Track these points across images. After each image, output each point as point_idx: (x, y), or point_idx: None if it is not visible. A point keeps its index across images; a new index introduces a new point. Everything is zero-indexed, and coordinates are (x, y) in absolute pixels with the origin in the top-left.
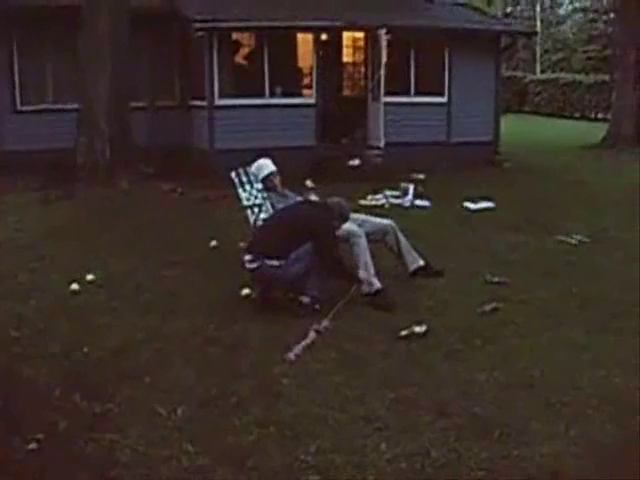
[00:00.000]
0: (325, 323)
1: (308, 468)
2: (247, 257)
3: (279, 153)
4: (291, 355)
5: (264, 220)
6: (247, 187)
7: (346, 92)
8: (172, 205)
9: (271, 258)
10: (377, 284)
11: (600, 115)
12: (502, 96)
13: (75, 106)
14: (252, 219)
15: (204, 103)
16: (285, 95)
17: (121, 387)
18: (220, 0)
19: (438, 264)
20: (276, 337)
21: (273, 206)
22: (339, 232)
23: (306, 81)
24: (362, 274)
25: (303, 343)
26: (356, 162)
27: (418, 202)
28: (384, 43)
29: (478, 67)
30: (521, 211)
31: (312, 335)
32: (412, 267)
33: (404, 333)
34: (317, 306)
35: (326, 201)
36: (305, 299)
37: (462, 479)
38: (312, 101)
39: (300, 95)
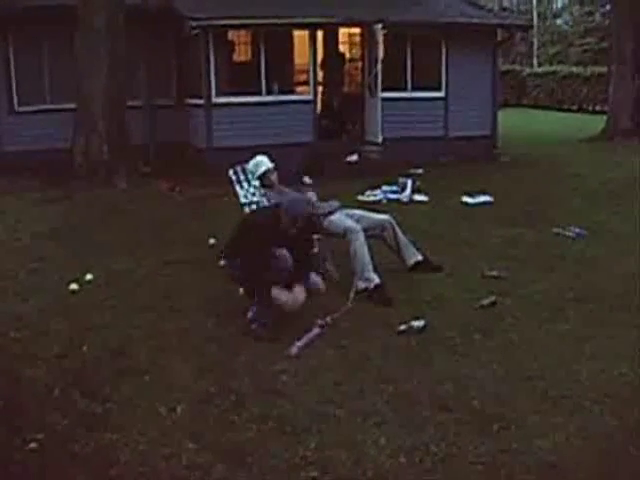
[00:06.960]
0: (329, 319)
1: (308, 464)
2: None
3: (276, 150)
4: (294, 349)
5: None
6: (244, 184)
7: (344, 88)
8: (170, 203)
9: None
10: (375, 279)
11: (598, 107)
12: (500, 90)
13: (72, 106)
14: None
15: (201, 101)
16: (282, 92)
17: (120, 386)
18: None
19: (436, 259)
20: (274, 334)
21: (270, 203)
22: (337, 228)
23: (303, 78)
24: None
25: (305, 338)
26: (354, 158)
27: (416, 197)
28: (381, 38)
29: (475, 61)
30: (519, 205)
31: (316, 330)
32: (410, 262)
33: (403, 328)
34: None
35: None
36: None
37: (461, 473)
38: (309, 97)
39: (297, 92)
